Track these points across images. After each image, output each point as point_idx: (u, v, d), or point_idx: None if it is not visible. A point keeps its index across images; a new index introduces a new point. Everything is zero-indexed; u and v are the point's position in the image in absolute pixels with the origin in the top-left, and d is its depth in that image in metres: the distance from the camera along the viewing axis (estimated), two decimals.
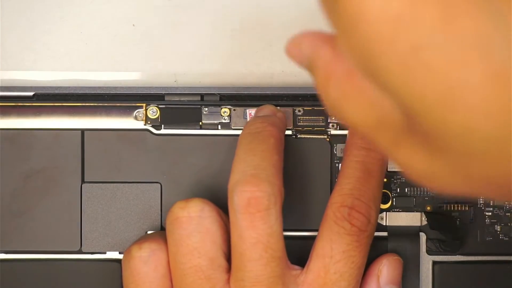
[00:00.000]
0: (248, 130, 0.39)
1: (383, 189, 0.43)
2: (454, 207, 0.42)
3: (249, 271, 0.37)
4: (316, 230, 0.39)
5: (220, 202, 0.42)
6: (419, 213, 0.43)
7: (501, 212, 0.42)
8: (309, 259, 0.38)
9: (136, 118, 0.43)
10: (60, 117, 0.43)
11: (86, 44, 0.42)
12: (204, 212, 0.38)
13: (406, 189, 0.43)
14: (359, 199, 0.38)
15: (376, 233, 0.42)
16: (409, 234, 0.43)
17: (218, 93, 0.42)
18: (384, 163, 0.40)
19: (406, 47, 0.20)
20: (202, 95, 0.42)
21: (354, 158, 0.39)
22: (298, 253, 0.40)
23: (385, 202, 0.43)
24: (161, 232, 0.41)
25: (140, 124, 0.43)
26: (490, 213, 0.42)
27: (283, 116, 0.41)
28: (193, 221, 0.38)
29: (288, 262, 0.38)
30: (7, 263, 0.43)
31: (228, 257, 0.38)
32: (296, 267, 0.39)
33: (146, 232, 0.43)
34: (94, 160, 0.42)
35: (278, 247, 0.37)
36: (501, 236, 0.43)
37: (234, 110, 0.42)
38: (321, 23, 0.42)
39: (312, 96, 0.42)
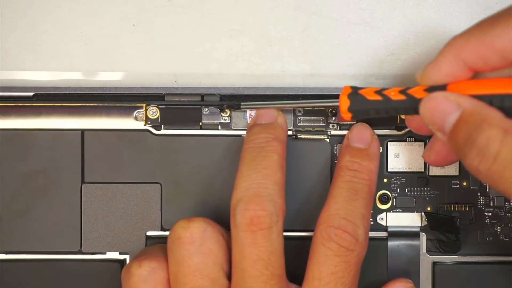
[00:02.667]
0: (251, 144, 0.39)
1: (384, 189, 0.43)
2: (454, 207, 0.42)
3: None
4: None
5: (219, 202, 0.42)
6: (419, 214, 0.43)
7: (501, 213, 0.42)
8: (303, 280, 0.38)
9: (136, 118, 0.43)
10: (60, 117, 0.43)
11: (86, 44, 0.42)
12: (206, 233, 0.38)
13: (406, 189, 0.43)
14: (345, 218, 0.38)
15: (376, 233, 0.43)
16: (409, 234, 0.43)
17: (218, 93, 0.42)
18: (371, 183, 0.39)
19: None
20: (202, 95, 0.42)
21: (341, 179, 0.39)
22: (297, 253, 0.40)
23: (385, 203, 0.43)
24: (161, 246, 0.41)
25: (140, 125, 0.43)
26: (490, 214, 0.42)
27: (284, 122, 0.41)
28: (196, 242, 0.38)
29: (287, 281, 0.38)
30: (7, 263, 0.43)
31: (229, 275, 0.38)
32: (294, 286, 0.39)
33: (146, 233, 0.43)
34: (94, 160, 0.42)
35: (279, 265, 0.37)
36: (501, 237, 0.43)
37: (234, 110, 0.42)
38: (320, 23, 0.42)
39: (312, 96, 0.42)
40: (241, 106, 0.41)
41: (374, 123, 0.42)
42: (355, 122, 0.42)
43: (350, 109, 0.38)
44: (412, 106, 0.36)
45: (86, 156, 0.42)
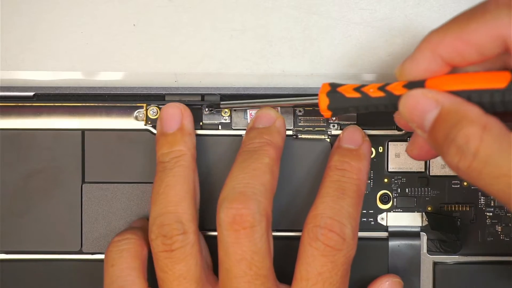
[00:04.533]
0: (245, 149, 0.39)
1: (385, 189, 0.43)
2: (455, 207, 0.42)
3: None
4: None
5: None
6: (420, 214, 0.43)
7: (501, 213, 0.42)
8: (292, 281, 0.38)
9: (136, 118, 0.43)
10: (60, 117, 0.43)
11: (86, 44, 0.42)
12: (187, 241, 0.38)
13: (407, 189, 0.43)
14: (332, 217, 0.37)
15: (377, 233, 0.43)
16: (410, 234, 0.43)
17: (219, 93, 0.42)
18: (360, 182, 0.39)
19: None
20: (202, 95, 0.42)
21: (329, 179, 0.39)
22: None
23: (386, 203, 0.43)
24: (142, 221, 0.42)
25: (140, 124, 0.43)
26: (491, 214, 0.42)
27: (281, 125, 0.41)
28: (177, 252, 0.38)
29: (276, 281, 0.38)
30: (7, 263, 0.43)
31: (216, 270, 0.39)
32: (284, 286, 0.39)
33: None
34: (95, 160, 0.42)
35: (263, 265, 0.37)
36: (502, 237, 0.43)
37: (235, 110, 0.42)
38: (320, 23, 0.42)
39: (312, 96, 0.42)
40: (221, 106, 0.41)
41: (374, 123, 0.42)
42: (349, 124, 0.42)
43: (329, 107, 0.38)
44: (392, 102, 0.36)
45: (87, 156, 0.42)
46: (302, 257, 0.38)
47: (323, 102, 0.38)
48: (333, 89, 0.38)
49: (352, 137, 0.41)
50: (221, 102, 0.41)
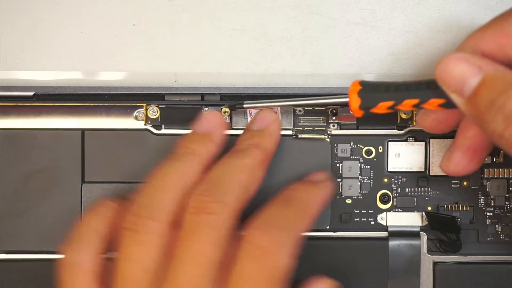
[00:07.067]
0: (234, 148, 0.40)
1: (385, 189, 0.43)
2: (455, 207, 0.42)
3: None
4: (317, 230, 0.40)
5: None
6: (419, 213, 0.43)
7: (502, 213, 0.42)
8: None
9: (136, 118, 0.43)
10: (60, 117, 0.43)
11: (86, 44, 0.42)
12: None
13: (406, 189, 0.43)
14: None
15: (377, 233, 0.43)
16: (410, 234, 0.43)
17: (219, 93, 0.42)
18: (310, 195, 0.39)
19: None
20: (202, 95, 0.42)
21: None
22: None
23: (386, 203, 0.43)
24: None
25: (140, 124, 0.43)
26: (490, 213, 0.42)
27: (276, 129, 0.41)
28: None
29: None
30: (7, 263, 0.43)
31: None
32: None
33: None
34: (94, 160, 0.42)
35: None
36: (502, 237, 0.43)
37: (235, 109, 0.42)
38: (320, 23, 0.42)
39: (313, 96, 0.42)
40: (244, 105, 0.41)
41: (374, 123, 0.42)
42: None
43: (361, 83, 0.37)
44: (427, 80, 0.35)
45: (86, 156, 0.42)
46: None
47: (355, 103, 0.37)
48: (365, 87, 0.37)
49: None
50: (245, 102, 0.41)
